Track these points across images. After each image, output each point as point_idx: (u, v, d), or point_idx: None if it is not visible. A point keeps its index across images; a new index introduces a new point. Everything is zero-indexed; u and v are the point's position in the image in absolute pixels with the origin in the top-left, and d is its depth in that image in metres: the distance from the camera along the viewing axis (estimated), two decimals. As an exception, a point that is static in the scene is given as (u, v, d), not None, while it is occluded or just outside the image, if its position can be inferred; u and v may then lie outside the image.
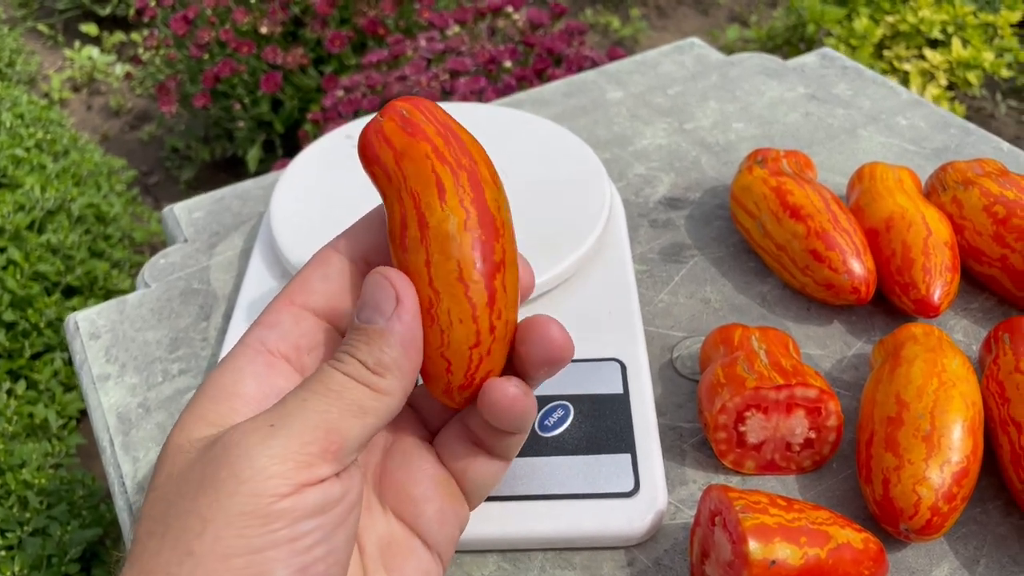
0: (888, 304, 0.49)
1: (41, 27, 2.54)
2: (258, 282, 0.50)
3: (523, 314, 0.31)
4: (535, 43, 1.36)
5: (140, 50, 1.85)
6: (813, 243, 0.48)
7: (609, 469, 0.39)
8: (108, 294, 1.34)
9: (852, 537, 0.34)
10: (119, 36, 2.45)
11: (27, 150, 1.44)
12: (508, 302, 0.29)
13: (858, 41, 1.75)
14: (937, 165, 0.59)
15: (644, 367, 0.44)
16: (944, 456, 0.37)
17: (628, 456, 0.40)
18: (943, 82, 1.70)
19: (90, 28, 2.47)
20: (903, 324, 0.45)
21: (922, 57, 1.75)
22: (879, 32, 1.74)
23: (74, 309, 1.28)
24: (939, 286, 0.45)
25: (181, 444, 0.28)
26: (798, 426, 0.40)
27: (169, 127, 2.04)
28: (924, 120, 0.64)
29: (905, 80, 1.72)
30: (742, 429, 0.40)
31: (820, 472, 0.42)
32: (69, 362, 1.27)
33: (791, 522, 0.34)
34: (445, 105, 0.60)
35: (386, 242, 0.31)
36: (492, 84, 1.26)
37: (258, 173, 1.74)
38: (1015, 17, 1.79)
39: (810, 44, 1.89)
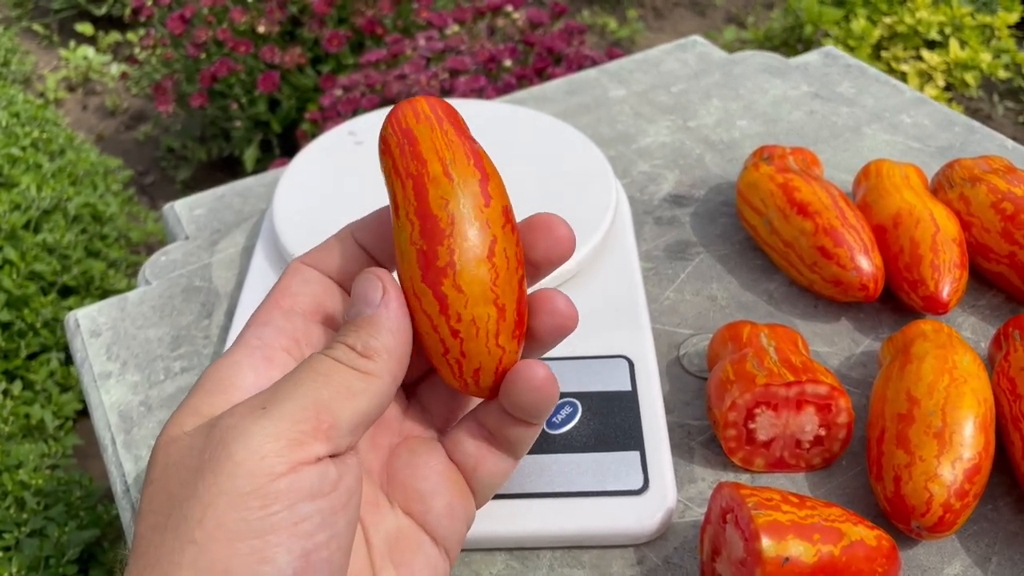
0: (896, 301, 0.49)
1: (36, 27, 2.53)
2: (261, 279, 0.49)
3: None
4: (535, 42, 1.36)
5: (136, 50, 1.85)
6: (821, 240, 0.47)
7: (618, 467, 0.39)
8: (104, 294, 1.33)
9: (865, 534, 0.34)
10: (115, 36, 2.44)
11: (23, 149, 1.43)
12: (470, 300, 0.29)
13: (856, 42, 1.75)
14: (941, 163, 0.59)
15: (652, 364, 0.44)
16: (956, 453, 0.36)
17: (637, 453, 0.40)
18: (941, 83, 1.70)
19: (85, 28, 2.46)
20: (911, 321, 0.45)
21: (920, 58, 1.75)
22: (877, 33, 1.75)
23: (70, 309, 1.27)
24: (948, 283, 0.45)
25: (175, 436, 0.28)
26: (808, 423, 0.40)
27: (165, 127, 2.04)
28: (928, 118, 0.64)
29: (903, 81, 1.72)
30: (752, 426, 0.40)
31: (830, 470, 0.41)
32: (65, 362, 1.26)
33: (804, 519, 0.33)
34: (451, 102, 0.59)
35: (354, 267, 0.32)
36: (492, 83, 1.26)
37: (255, 173, 1.73)
38: (1012, 19, 1.79)
39: (807, 45, 1.89)
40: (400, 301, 0.29)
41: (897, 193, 0.50)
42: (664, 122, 0.66)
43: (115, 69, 2.31)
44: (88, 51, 2.34)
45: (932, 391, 0.38)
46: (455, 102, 0.60)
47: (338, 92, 1.38)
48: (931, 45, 1.80)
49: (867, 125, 0.64)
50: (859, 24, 1.76)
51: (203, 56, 1.65)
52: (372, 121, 0.58)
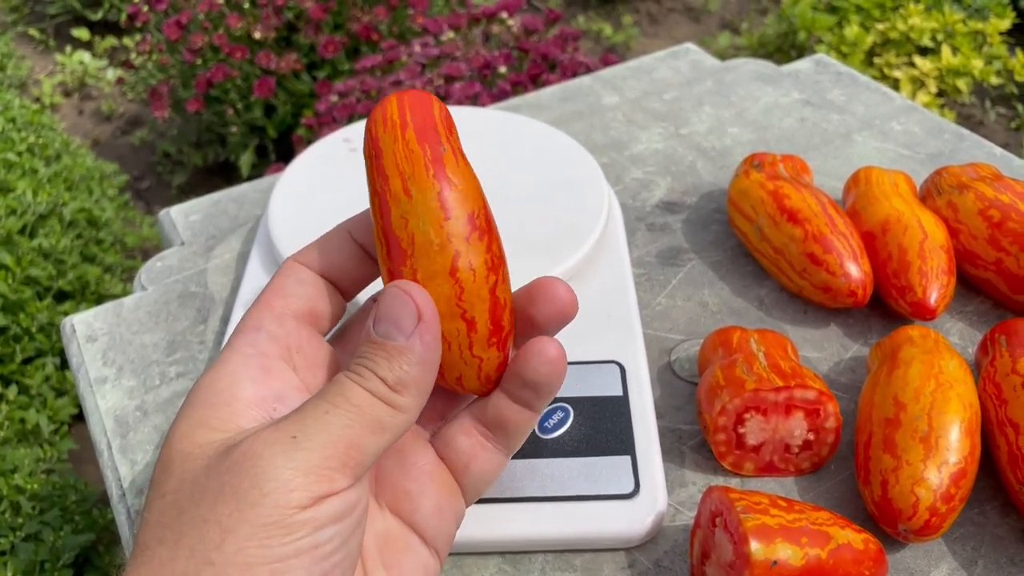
0: (885, 307, 0.49)
1: (32, 32, 2.53)
2: (256, 284, 0.50)
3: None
4: (529, 49, 1.36)
5: (132, 55, 1.85)
6: (810, 246, 0.48)
7: (609, 471, 0.40)
8: (100, 298, 1.33)
9: (852, 538, 0.34)
10: (111, 41, 2.45)
11: (19, 154, 1.43)
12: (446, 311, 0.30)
13: (849, 48, 1.76)
14: (931, 170, 0.60)
15: (643, 369, 0.44)
16: (942, 457, 0.37)
17: (628, 458, 0.40)
18: (933, 89, 1.71)
19: (81, 33, 2.47)
20: (900, 327, 0.45)
21: (912, 64, 1.76)
22: (869, 39, 1.75)
23: (66, 314, 1.27)
24: (935, 289, 0.46)
25: (189, 451, 0.27)
26: (797, 428, 0.40)
27: (161, 132, 2.04)
28: (918, 125, 0.65)
29: (895, 87, 1.73)
30: (741, 431, 0.40)
31: (819, 474, 0.42)
32: (61, 367, 1.26)
33: (792, 523, 0.34)
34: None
35: (347, 262, 0.32)
36: (487, 89, 1.26)
37: (250, 179, 1.74)
38: (1004, 25, 1.80)
39: (801, 51, 1.90)
40: (435, 331, 0.29)
41: (886, 200, 0.50)
42: (657, 129, 0.66)
43: (111, 74, 2.31)
44: (84, 56, 2.35)
45: (919, 396, 0.39)
46: (452, 110, 0.60)
47: (334, 98, 1.38)
48: (923, 51, 1.81)
49: (857, 132, 0.65)
50: (852, 30, 1.77)
51: (199, 62, 1.65)
52: (367, 128, 0.59)
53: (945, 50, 1.73)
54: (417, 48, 1.42)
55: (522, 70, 1.34)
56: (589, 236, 0.49)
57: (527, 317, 0.32)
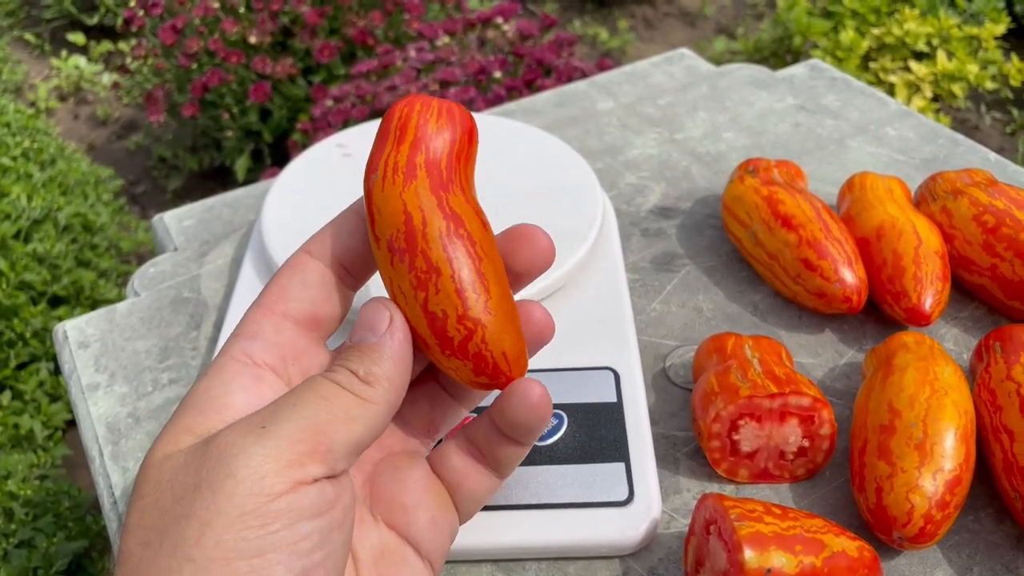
0: (879, 313, 0.49)
1: (28, 36, 2.53)
2: (249, 291, 0.50)
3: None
4: (525, 54, 1.36)
5: (128, 59, 1.85)
6: (805, 252, 0.48)
7: (603, 478, 0.39)
8: (95, 304, 1.33)
9: (847, 545, 0.34)
10: (106, 45, 2.44)
11: (13, 159, 1.43)
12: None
13: (844, 53, 1.76)
14: (926, 175, 0.60)
15: (638, 376, 0.44)
16: (937, 464, 0.37)
17: (622, 465, 0.40)
18: (928, 94, 1.72)
19: (77, 37, 2.46)
20: (894, 333, 0.45)
21: (908, 69, 1.77)
22: (865, 44, 1.76)
23: (60, 319, 1.27)
24: (930, 295, 0.46)
25: (169, 453, 0.27)
26: (792, 434, 0.40)
27: (156, 136, 2.04)
28: (913, 131, 0.65)
29: (891, 92, 1.73)
30: (736, 438, 0.40)
31: (813, 480, 0.42)
32: (55, 372, 1.26)
33: (786, 530, 0.34)
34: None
35: (360, 245, 0.32)
36: (482, 94, 1.26)
37: (246, 183, 1.74)
38: (999, 30, 1.81)
39: (796, 56, 1.91)
40: (405, 332, 0.30)
41: (880, 206, 0.50)
42: (651, 134, 0.66)
43: (106, 79, 2.31)
44: (80, 60, 2.34)
45: (913, 403, 0.38)
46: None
47: (329, 103, 1.38)
48: (919, 56, 1.81)
49: (852, 138, 0.65)
50: (847, 35, 1.77)
51: (194, 66, 1.65)
52: (360, 133, 0.59)
53: (940, 55, 1.73)
54: (412, 53, 1.42)
55: (517, 75, 1.34)
56: (583, 242, 0.48)
57: (507, 268, 0.32)
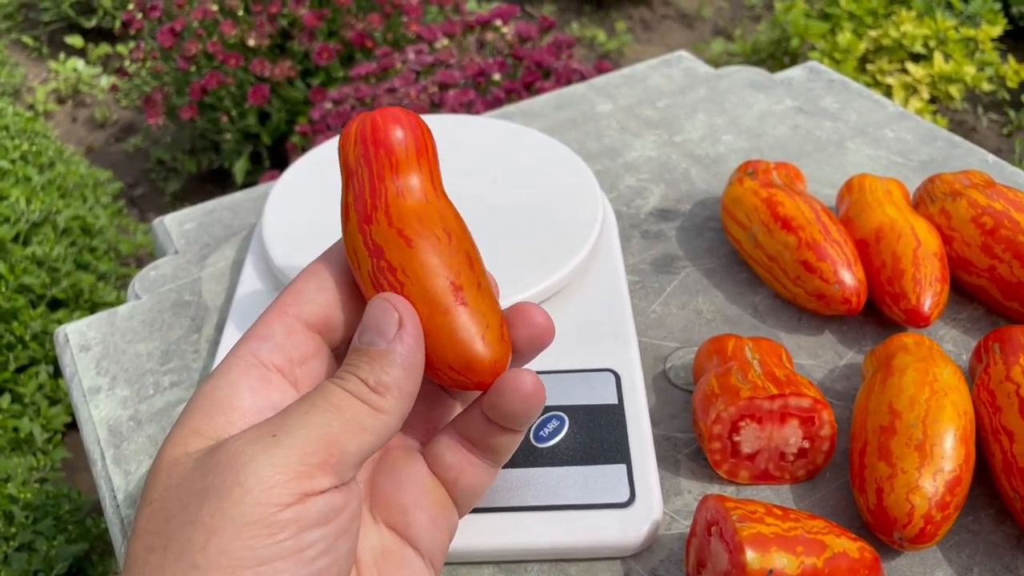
0: (879, 314, 0.49)
1: (26, 39, 2.53)
2: (250, 293, 0.50)
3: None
4: (524, 56, 1.37)
5: (126, 62, 1.85)
6: (804, 254, 0.48)
7: (604, 480, 0.39)
8: (94, 307, 1.33)
9: (848, 546, 0.34)
10: (104, 48, 2.44)
11: (12, 162, 1.43)
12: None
13: (841, 55, 1.76)
14: (924, 177, 0.60)
15: (638, 377, 0.44)
16: (937, 465, 0.37)
17: (623, 466, 0.40)
18: (925, 96, 1.72)
19: (75, 40, 2.46)
20: (894, 334, 0.45)
21: (905, 71, 1.77)
22: (862, 46, 1.76)
23: (60, 322, 1.27)
24: (929, 296, 0.46)
25: (177, 457, 0.27)
26: (792, 436, 0.40)
27: (155, 139, 2.04)
28: (911, 133, 0.65)
29: (888, 94, 1.73)
30: (736, 439, 0.40)
31: (814, 481, 0.42)
32: (54, 375, 1.26)
33: (787, 531, 0.34)
34: (434, 118, 0.60)
35: None
36: (481, 97, 1.27)
37: (245, 185, 1.74)
38: (996, 32, 1.81)
39: (794, 58, 1.91)
40: (415, 335, 0.29)
41: (879, 207, 0.50)
42: (650, 136, 0.66)
43: (105, 81, 2.31)
44: (78, 63, 2.34)
45: (913, 404, 0.39)
46: (445, 118, 0.60)
47: (328, 105, 1.38)
48: (916, 58, 1.82)
49: (850, 140, 0.65)
50: (845, 37, 1.77)
51: (193, 69, 1.65)
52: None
53: (937, 57, 1.74)
54: (411, 55, 1.42)
55: (516, 77, 1.34)
56: (583, 244, 0.49)
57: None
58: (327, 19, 1.63)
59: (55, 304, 1.31)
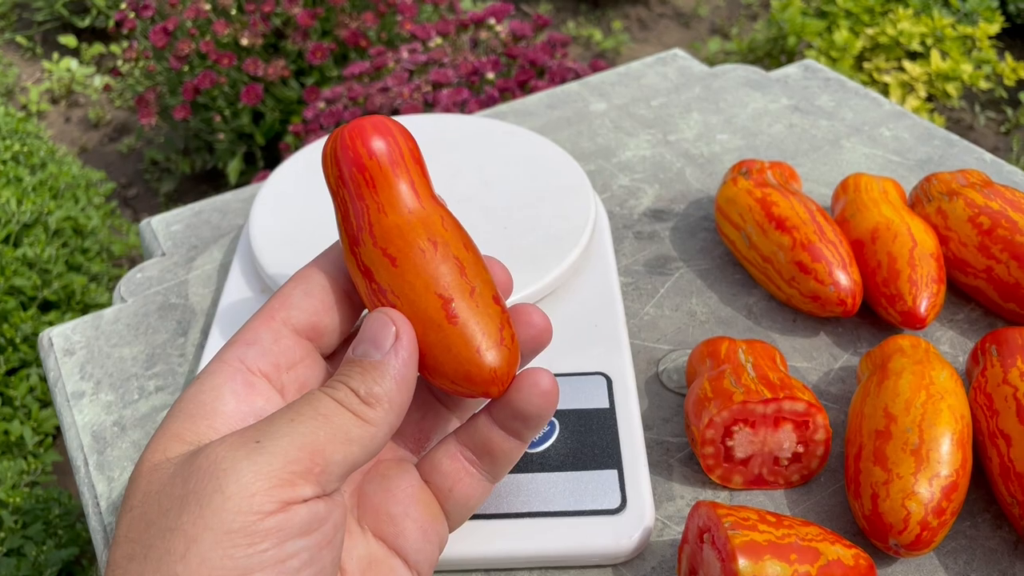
0: (875, 316, 0.49)
1: (19, 39, 2.52)
2: (237, 296, 0.49)
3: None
4: (517, 55, 1.36)
5: (119, 62, 1.84)
6: (799, 255, 0.47)
7: (595, 485, 0.39)
8: (86, 308, 1.32)
9: (842, 553, 0.34)
10: (98, 48, 2.43)
11: (3, 163, 1.42)
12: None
13: (838, 53, 1.76)
14: (921, 176, 0.59)
15: (630, 381, 0.43)
16: (933, 470, 0.36)
17: (615, 472, 0.39)
18: (923, 94, 1.71)
19: (69, 40, 2.45)
20: (890, 336, 0.45)
21: (902, 69, 1.76)
22: (859, 44, 1.76)
23: (51, 324, 1.26)
24: (925, 298, 0.45)
25: (158, 462, 0.27)
26: (786, 440, 0.40)
27: (149, 139, 2.03)
28: (907, 131, 0.64)
29: (885, 92, 1.73)
30: (730, 444, 0.40)
31: (808, 486, 0.41)
32: (46, 378, 1.25)
33: (781, 539, 0.33)
34: (425, 117, 0.59)
35: None
36: (475, 96, 1.26)
37: (239, 185, 1.73)
38: (993, 29, 1.81)
39: (791, 56, 1.90)
40: (411, 350, 0.29)
41: (875, 207, 0.50)
42: (645, 136, 0.66)
43: (98, 81, 2.30)
44: (71, 63, 2.33)
45: (909, 407, 0.38)
46: (436, 117, 0.59)
47: (321, 105, 1.38)
48: (913, 56, 1.81)
49: (846, 138, 0.64)
50: (841, 35, 1.77)
51: (186, 68, 1.64)
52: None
53: (934, 54, 1.73)
54: (405, 54, 1.41)
55: (510, 76, 1.33)
56: (575, 245, 0.48)
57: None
58: (321, 18, 1.63)
59: (46, 306, 1.30)
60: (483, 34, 1.42)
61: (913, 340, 0.42)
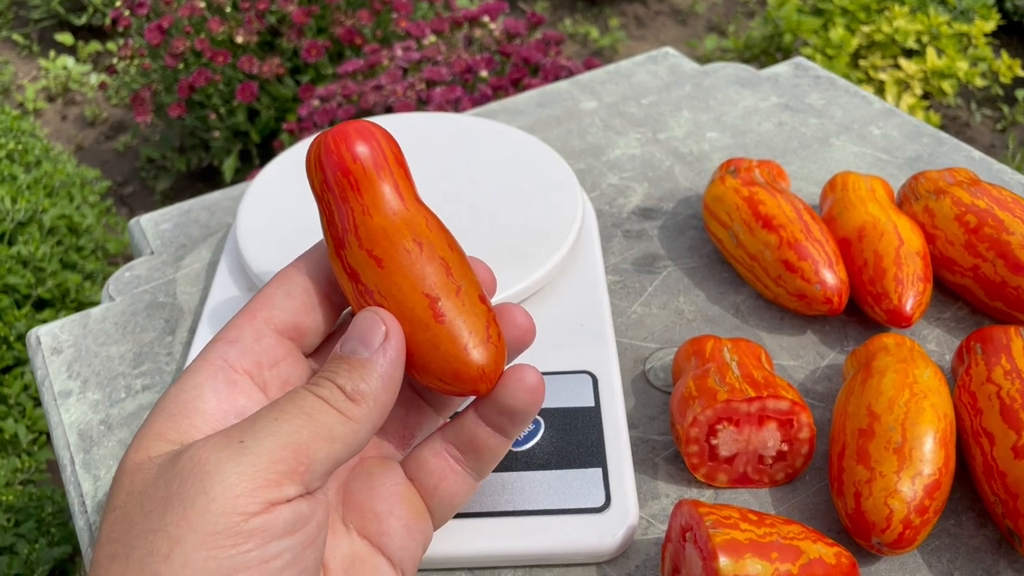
0: (861, 314, 0.49)
1: (16, 37, 2.52)
2: (224, 295, 0.49)
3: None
4: (511, 53, 1.36)
5: (115, 60, 1.84)
6: (785, 253, 0.47)
7: (580, 484, 0.39)
8: (80, 306, 1.32)
9: (824, 552, 0.34)
10: (95, 46, 2.43)
11: (-2, 161, 1.42)
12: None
13: (834, 51, 1.76)
14: (910, 174, 0.59)
15: (616, 379, 0.43)
16: (916, 468, 0.36)
17: (599, 470, 0.39)
18: (918, 91, 1.71)
19: (65, 38, 2.45)
20: (876, 334, 0.45)
21: (897, 67, 1.76)
22: (855, 42, 1.75)
23: (45, 322, 1.26)
24: (911, 296, 0.45)
25: (140, 462, 0.27)
26: (770, 439, 0.40)
27: (144, 137, 2.03)
28: (897, 129, 0.64)
29: (881, 89, 1.73)
30: (714, 442, 0.40)
31: (793, 485, 0.41)
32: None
33: (762, 537, 0.33)
34: (414, 116, 0.59)
35: None
36: (468, 93, 1.26)
37: (234, 183, 1.73)
38: (989, 27, 1.81)
39: (787, 54, 1.90)
40: (399, 350, 0.29)
41: (862, 206, 0.50)
42: (634, 134, 0.66)
43: (94, 79, 2.30)
44: (68, 61, 2.33)
45: (892, 406, 0.38)
46: (425, 116, 0.59)
47: (315, 102, 1.37)
48: (909, 54, 1.81)
49: (836, 137, 0.64)
50: (837, 33, 1.76)
51: (181, 66, 1.64)
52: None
53: (930, 52, 1.73)
54: (399, 52, 1.41)
55: (504, 74, 1.33)
56: (562, 244, 0.48)
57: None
58: (316, 16, 1.62)
59: (41, 304, 1.30)
60: (477, 32, 1.42)
61: (897, 339, 0.42)
